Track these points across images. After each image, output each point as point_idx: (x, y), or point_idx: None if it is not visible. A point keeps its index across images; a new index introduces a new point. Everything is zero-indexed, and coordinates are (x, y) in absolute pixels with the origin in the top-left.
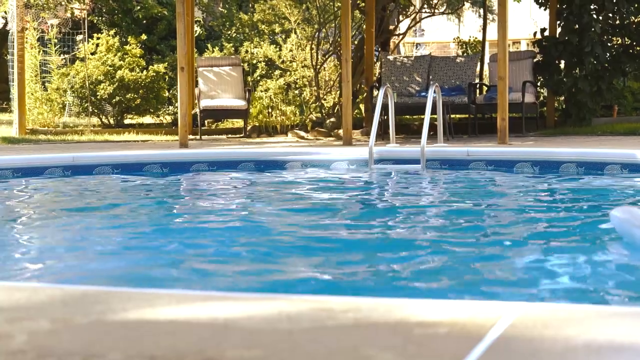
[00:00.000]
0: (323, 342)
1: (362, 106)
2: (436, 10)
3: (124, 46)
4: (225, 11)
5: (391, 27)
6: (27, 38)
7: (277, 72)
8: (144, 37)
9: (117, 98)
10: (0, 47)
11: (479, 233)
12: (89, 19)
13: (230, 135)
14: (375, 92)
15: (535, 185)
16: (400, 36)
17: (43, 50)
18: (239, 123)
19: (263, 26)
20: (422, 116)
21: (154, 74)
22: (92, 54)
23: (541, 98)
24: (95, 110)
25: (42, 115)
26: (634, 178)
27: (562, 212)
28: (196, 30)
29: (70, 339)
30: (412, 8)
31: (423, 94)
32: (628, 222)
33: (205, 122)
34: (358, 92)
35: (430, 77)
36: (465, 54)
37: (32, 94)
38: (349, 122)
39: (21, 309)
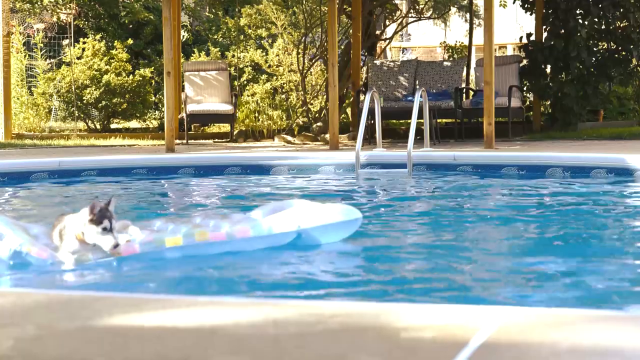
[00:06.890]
0: (310, 347)
1: (348, 110)
2: (422, 15)
3: (110, 51)
4: (212, 16)
5: (378, 32)
6: (13, 42)
7: (264, 76)
8: (130, 41)
9: (104, 102)
10: None
11: (465, 237)
12: (75, 23)
13: (216, 140)
14: (361, 97)
15: (521, 189)
16: (387, 41)
17: (29, 55)
18: (225, 127)
19: (250, 31)
20: (409, 121)
21: (141, 79)
22: (79, 58)
23: (527, 102)
24: (82, 115)
25: (28, 119)
26: (625, 182)
27: (548, 216)
28: (183, 35)
29: (56, 345)
30: (398, 13)
31: (410, 98)
32: None
33: (192, 126)
34: (345, 97)
35: (417, 81)
36: (451, 59)
37: (18, 98)
38: (336, 126)
39: (6, 314)
